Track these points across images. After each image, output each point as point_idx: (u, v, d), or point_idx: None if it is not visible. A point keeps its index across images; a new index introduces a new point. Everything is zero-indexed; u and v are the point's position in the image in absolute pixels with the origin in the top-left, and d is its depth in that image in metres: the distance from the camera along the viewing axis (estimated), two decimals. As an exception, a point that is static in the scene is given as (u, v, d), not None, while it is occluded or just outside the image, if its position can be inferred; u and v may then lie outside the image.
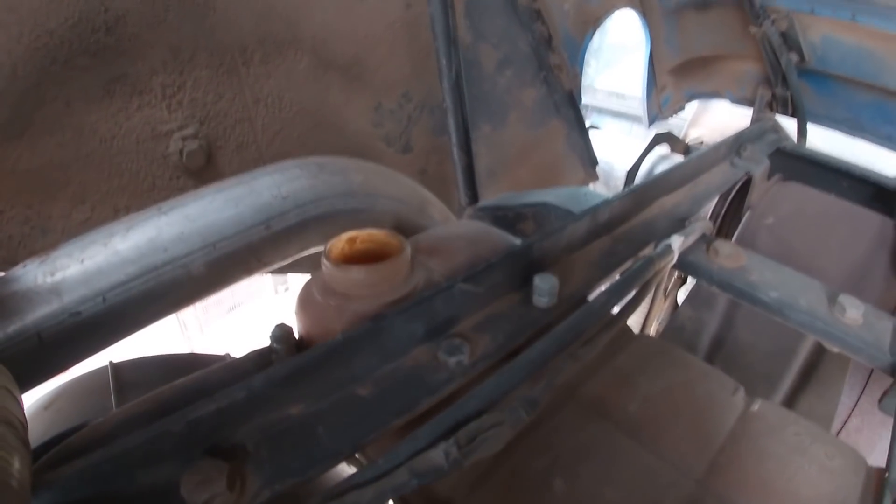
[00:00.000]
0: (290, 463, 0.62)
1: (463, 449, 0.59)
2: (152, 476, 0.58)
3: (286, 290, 9.48)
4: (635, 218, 1.17)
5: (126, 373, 1.29)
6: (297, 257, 1.05)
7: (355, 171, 1.10)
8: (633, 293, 0.93)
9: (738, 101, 2.92)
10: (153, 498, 0.58)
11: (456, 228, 1.07)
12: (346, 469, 0.86)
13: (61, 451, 0.75)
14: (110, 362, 1.31)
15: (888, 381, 0.94)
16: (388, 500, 0.56)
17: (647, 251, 1.03)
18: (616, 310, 0.89)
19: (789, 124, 2.52)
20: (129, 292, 0.89)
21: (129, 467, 0.56)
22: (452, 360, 0.74)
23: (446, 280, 0.78)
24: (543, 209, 1.18)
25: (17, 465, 0.49)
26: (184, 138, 1.32)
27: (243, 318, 9.30)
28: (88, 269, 0.88)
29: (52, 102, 1.13)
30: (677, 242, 1.01)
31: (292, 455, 0.63)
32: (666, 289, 2.10)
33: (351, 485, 0.56)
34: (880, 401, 0.97)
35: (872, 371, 1.76)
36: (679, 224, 1.16)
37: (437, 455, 0.58)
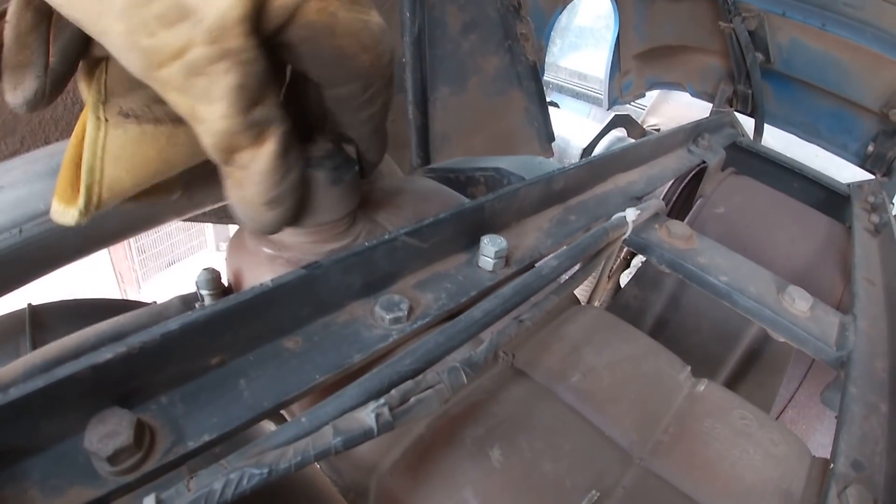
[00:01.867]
0: (207, 418, 0.56)
1: (395, 410, 0.54)
2: (55, 427, 0.52)
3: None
4: (590, 190, 1.14)
5: (45, 316, 1.20)
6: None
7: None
8: (583, 263, 0.91)
9: (699, 94, 2.94)
10: (56, 451, 0.52)
11: (405, 183, 1.02)
12: (269, 428, 0.81)
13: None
14: (28, 304, 1.23)
15: (826, 375, 0.94)
16: (309, 462, 0.51)
17: (600, 224, 1.00)
18: (565, 278, 0.86)
19: (747, 123, 2.55)
20: (47, 224, 0.83)
21: (29, 416, 0.50)
22: (390, 317, 0.69)
23: (390, 233, 0.73)
24: (496, 174, 1.14)
25: None
26: None
27: (183, 274, 9.14)
28: (6, 198, 0.81)
29: None
30: (633, 215, 0.98)
31: (209, 410, 0.57)
32: (610, 270, 2.10)
33: (270, 444, 0.51)
34: (822, 393, 0.97)
35: (812, 365, 1.80)
36: (633, 202, 1.14)
37: (365, 415, 0.53)
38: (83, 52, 0.58)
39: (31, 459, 0.51)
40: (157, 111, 0.61)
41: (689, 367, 0.84)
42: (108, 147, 0.60)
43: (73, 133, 0.61)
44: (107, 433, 0.49)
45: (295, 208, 0.66)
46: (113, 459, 0.49)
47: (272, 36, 0.53)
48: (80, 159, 0.60)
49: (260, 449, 0.50)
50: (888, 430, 0.76)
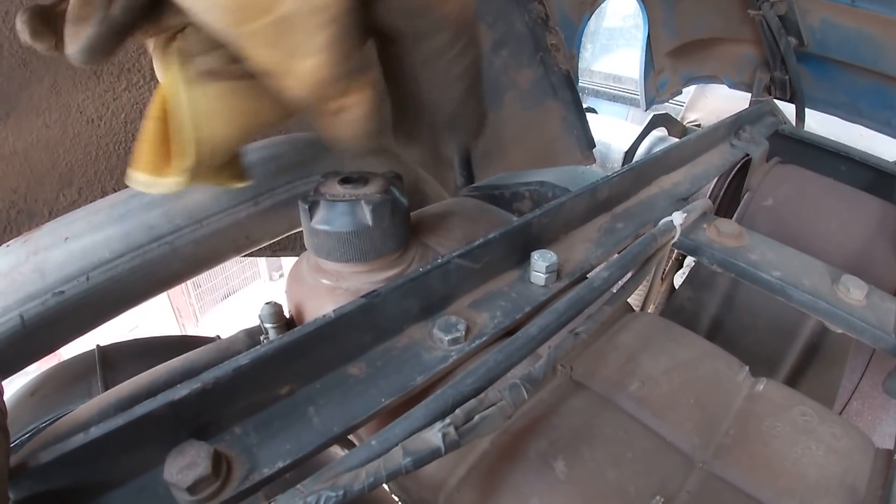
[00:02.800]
0: (280, 446, 0.59)
1: (460, 429, 0.56)
2: (134, 461, 0.55)
3: (280, 276, 9.48)
4: (634, 196, 1.14)
5: (114, 356, 1.26)
6: (286, 234, 1.03)
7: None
8: (634, 270, 0.91)
9: (736, 85, 2.89)
10: (136, 483, 0.56)
11: (452, 205, 1.04)
12: (338, 452, 0.84)
13: (42, 437, 0.72)
14: (97, 345, 1.28)
15: (889, 363, 0.93)
16: (381, 483, 0.53)
17: (647, 229, 1.01)
18: (617, 287, 0.86)
19: (787, 109, 2.51)
20: (113, 271, 0.87)
21: (109, 452, 0.53)
22: (448, 338, 0.71)
23: (442, 256, 0.75)
24: (541, 188, 1.15)
25: None
26: None
27: (238, 305, 9.31)
28: (72, 248, 0.86)
29: (38, 83, 1.10)
30: (679, 219, 0.98)
31: (281, 437, 0.60)
32: (663, 272, 2.08)
33: (343, 468, 0.53)
34: (884, 383, 0.95)
35: (873, 354, 1.75)
36: (679, 203, 1.14)
37: (433, 435, 0.55)
38: (147, 11, 0.58)
39: (113, 493, 0.55)
40: (235, 69, 0.63)
41: (746, 368, 0.84)
42: (200, 104, 0.62)
43: (149, 110, 0.64)
44: (186, 464, 0.53)
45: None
46: (193, 489, 0.52)
47: None
48: (166, 130, 0.62)
49: (334, 472, 0.52)
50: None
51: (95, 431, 0.52)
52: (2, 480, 0.46)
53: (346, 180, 0.78)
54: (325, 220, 0.75)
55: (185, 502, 0.53)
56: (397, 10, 0.59)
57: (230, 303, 9.42)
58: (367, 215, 0.73)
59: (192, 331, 8.65)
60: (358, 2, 0.54)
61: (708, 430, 0.72)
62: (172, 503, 0.53)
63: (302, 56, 0.52)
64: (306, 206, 0.75)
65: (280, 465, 0.57)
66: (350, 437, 0.81)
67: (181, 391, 0.55)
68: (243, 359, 0.59)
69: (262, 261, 10.06)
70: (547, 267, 0.81)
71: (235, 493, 0.54)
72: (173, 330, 8.41)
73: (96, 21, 0.55)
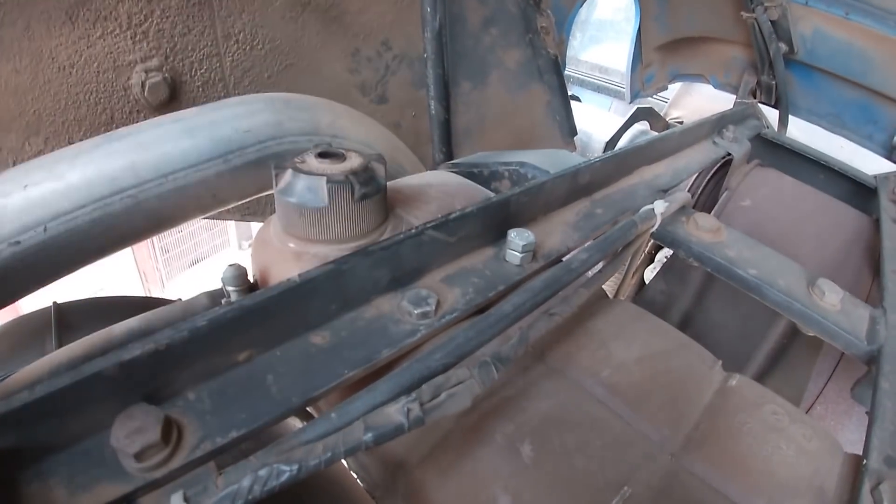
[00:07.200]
0: (235, 414, 0.56)
1: (425, 405, 0.54)
2: (81, 424, 0.52)
3: (250, 245, 9.45)
4: (615, 184, 1.13)
5: (71, 315, 1.22)
6: (254, 196, 1.00)
7: (324, 111, 1.04)
8: (611, 256, 0.89)
9: (723, 86, 2.91)
10: (81, 447, 0.52)
11: (430, 178, 1.02)
12: (295, 424, 0.81)
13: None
14: (54, 302, 1.24)
15: (855, 370, 0.93)
16: (339, 459, 0.50)
17: (626, 217, 0.99)
18: (594, 272, 0.85)
19: (772, 114, 2.52)
20: (72, 222, 0.83)
21: (55, 412, 0.50)
22: (418, 311, 0.68)
23: (416, 227, 0.73)
24: (521, 168, 1.13)
25: None
26: (147, 71, 1.26)
27: (205, 273, 9.21)
28: (30, 197, 0.82)
29: (10, 25, 1.07)
30: (661, 208, 0.97)
31: (237, 406, 0.57)
32: (635, 265, 2.09)
33: (299, 441, 0.51)
34: (853, 389, 0.95)
35: (840, 359, 1.77)
36: (659, 195, 1.13)
37: (396, 411, 0.52)
38: None
39: (57, 456, 0.51)
40: None
41: (720, 362, 0.83)
42: None
43: None
44: (134, 429, 0.49)
45: None
46: (140, 456, 0.49)
47: None
48: None
49: (289, 445, 0.50)
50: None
51: (41, 389, 0.48)
52: None
53: (323, 154, 0.75)
54: (287, 191, 0.72)
55: (131, 469, 0.50)
56: None
57: (198, 270, 9.32)
58: (324, 194, 0.71)
59: (157, 295, 8.55)
60: None
61: (678, 422, 0.71)
62: (119, 469, 0.50)
63: None
64: (275, 172, 0.72)
65: (234, 434, 0.54)
66: (309, 409, 0.78)
67: (133, 350, 0.52)
68: (200, 320, 0.55)
69: (231, 229, 9.96)
70: (523, 246, 0.79)
71: (185, 462, 0.51)
72: (138, 292, 8.30)
73: None
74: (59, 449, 0.52)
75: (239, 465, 0.47)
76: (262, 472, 0.46)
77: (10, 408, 0.47)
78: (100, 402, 0.52)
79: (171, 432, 0.52)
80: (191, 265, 9.36)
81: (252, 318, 0.60)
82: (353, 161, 0.75)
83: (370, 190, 0.74)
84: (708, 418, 0.73)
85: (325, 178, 0.70)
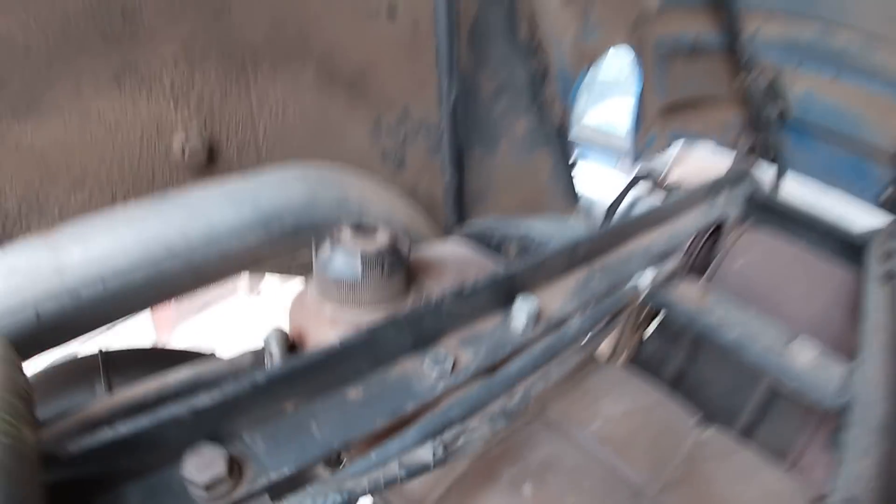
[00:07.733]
0: (285, 454, 0.68)
1: (447, 449, 0.66)
2: (154, 458, 0.63)
3: (258, 293, 9.45)
4: (613, 252, 1.23)
5: (117, 360, 1.34)
6: (285, 258, 1.10)
7: (352, 182, 1.16)
8: (605, 322, 1.00)
9: (723, 144, 3.00)
10: (153, 478, 0.63)
11: (446, 249, 1.14)
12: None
13: (64, 428, 0.79)
14: (100, 350, 1.35)
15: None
16: (379, 490, 0.62)
17: (622, 284, 1.10)
18: (588, 336, 0.95)
19: (770, 169, 2.63)
20: (128, 279, 0.93)
21: (134, 448, 0.60)
22: (437, 371, 0.81)
23: (435, 297, 0.84)
24: (527, 237, 1.24)
25: (29, 437, 0.53)
26: (187, 135, 1.33)
27: (213, 318, 9.23)
28: (91, 252, 0.91)
29: (61, 84, 1.13)
30: (648, 279, 1.08)
31: (287, 447, 0.69)
32: (636, 322, 2.16)
33: (348, 474, 0.62)
34: (832, 439, 1.03)
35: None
36: (654, 260, 1.23)
37: (425, 452, 0.65)
38: None
39: (132, 485, 0.62)
40: None
41: (696, 416, 0.94)
42: None
43: None
44: (204, 464, 0.61)
45: None
46: (209, 487, 0.60)
47: None
48: None
49: (339, 479, 0.61)
50: (884, 470, 0.84)
51: (123, 429, 0.59)
52: (36, 466, 0.51)
53: (357, 227, 0.87)
54: (326, 264, 0.84)
55: (199, 499, 0.60)
56: None
57: (205, 315, 9.32)
58: (359, 270, 0.82)
59: (165, 338, 8.56)
60: None
61: (658, 468, 0.82)
62: (186, 499, 0.61)
63: None
64: (314, 246, 0.85)
65: (286, 470, 0.66)
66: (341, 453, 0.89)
67: (204, 400, 0.63)
68: (259, 376, 0.67)
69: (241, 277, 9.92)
70: (528, 315, 0.91)
71: (246, 494, 0.63)
72: (149, 335, 8.31)
73: None
74: (133, 478, 0.62)
75: (298, 494, 0.58)
76: (319, 500, 0.57)
77: (96, 443, 0.58)
78: (171, 440, 0.62)
79: (233, 467, 0.63)
80: (198, 310, 9.39)
81: (300, 375, 0.71)
82: (382, 237, 0.86)
83: (397, 265, 0.86)
84: (684, 465, 0.84)
85: (359, 256, 0.82)
